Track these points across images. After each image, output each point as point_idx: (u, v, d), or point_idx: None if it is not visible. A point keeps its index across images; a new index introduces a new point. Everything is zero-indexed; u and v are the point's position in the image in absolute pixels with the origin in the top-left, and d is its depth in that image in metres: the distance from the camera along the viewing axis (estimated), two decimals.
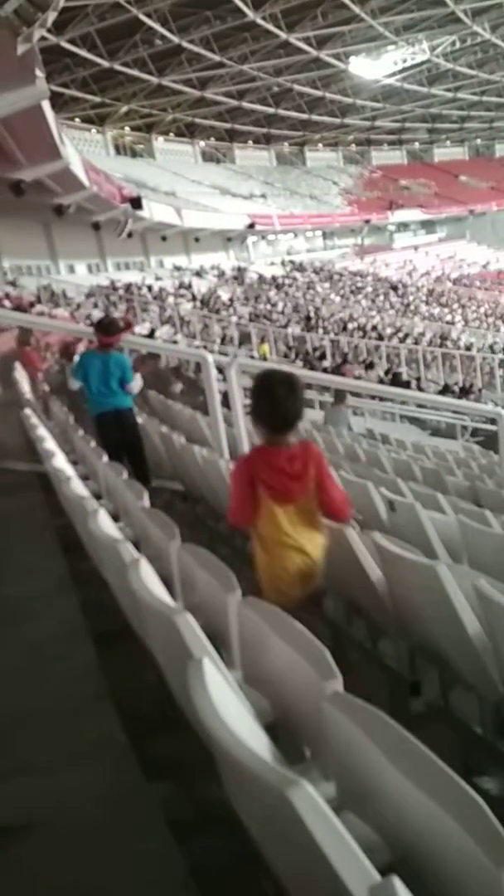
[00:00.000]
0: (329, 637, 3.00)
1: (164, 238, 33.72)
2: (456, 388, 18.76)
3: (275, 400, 2.66)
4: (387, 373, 19.53)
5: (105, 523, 2.92)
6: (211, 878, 1.69)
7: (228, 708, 1.37)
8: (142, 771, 2.06)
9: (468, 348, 27.15)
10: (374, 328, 29.52)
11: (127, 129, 45.61)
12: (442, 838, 1.13)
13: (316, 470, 2.69)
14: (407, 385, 18.33)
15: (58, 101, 32.53)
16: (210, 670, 1.41)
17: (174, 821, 1.83)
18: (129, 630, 2.54)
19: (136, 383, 5.96)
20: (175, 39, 36.21)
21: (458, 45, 45.09)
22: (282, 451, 2.69)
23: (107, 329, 5.85)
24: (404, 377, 20.22)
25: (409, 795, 1.19)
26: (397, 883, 0.92)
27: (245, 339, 23.32)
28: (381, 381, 17.61)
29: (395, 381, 18.26)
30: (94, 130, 43.04)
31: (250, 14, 35.91)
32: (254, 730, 1.50)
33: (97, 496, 4.13)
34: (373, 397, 13.49)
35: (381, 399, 13.45)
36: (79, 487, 3.77)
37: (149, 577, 2.17)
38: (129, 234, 27.53)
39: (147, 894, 1.63)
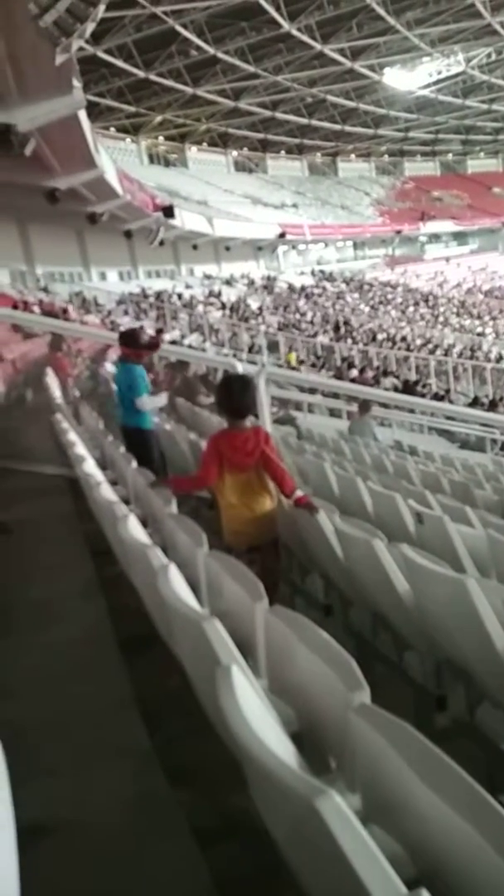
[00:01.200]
0: (354, 649, 2.99)
1: (195, 247, 33.93)
2: (486, 401, 18.57)
3: (232, 394, 3.61)
4: (404, 383, 19.30)
5: (135, 529, 2.94)
6: (234, 885, 1.69)
7: (256, 715, 1.37)
8: (166, 777, 2.06)
9: (499, 360, 26.89)
10: (404, 339, 29.39)
11: (161, 138, 46.04)
12: (467, 853, 1.12)
13: (265, 447, 3.55)
14: (440, 398, 18.15)
15: (93, 111, 32.94)
16: (238, 677, 1.41)
17: (198, 827, 1.83)
18: (155, 635, 2.55)
19: (152, 400, 5.71)
20: (210, 50, 36.53)
21: (493, 56, 44.81)
22: (239, 434, 3.58)
23: (126, 340, 5.71)
24: (433, 389, 20.05)
25: (434, 809, 1.18)
26: None
27: (273, 347, 23.35)
28: (395, 389, 17.41)
29: (407, 389, 18.04)
30: (128, 140, 43.51)
31: (286, 25, 36.09)
32: (280, 739, 1.50)
33: (126, 501, 4.16)
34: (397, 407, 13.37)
35: (398, 408, 13.28)
36: (108, 493, 3.80)
37: (178, 583, 2.18)
38: (161, 243, 27.71)
39: None
